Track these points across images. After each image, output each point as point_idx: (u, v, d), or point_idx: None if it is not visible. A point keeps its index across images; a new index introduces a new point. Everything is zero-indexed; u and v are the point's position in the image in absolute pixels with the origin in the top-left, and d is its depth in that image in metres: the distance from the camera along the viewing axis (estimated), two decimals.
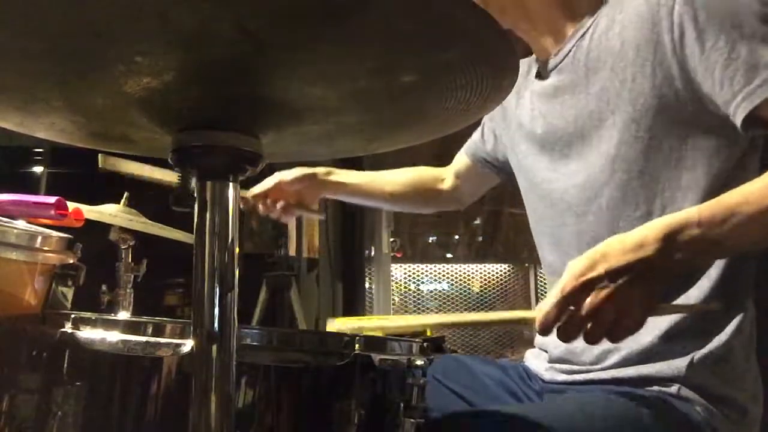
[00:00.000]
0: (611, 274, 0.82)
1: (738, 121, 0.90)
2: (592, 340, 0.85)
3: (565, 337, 0.85)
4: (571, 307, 0.84)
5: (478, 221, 3.93)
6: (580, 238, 1.07)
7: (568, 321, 0.84)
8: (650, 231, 0.84)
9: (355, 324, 1.02)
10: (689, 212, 0.85)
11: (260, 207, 1.45)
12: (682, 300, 0.98)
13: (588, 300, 0.82)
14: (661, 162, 0.99)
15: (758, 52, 0.88)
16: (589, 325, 0.84)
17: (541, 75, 1.17)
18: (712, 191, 0.96)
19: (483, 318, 1.17)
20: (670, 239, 0.83)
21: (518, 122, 1.23)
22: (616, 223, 1.03)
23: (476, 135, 1.44)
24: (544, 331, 0.85)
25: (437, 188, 1.54)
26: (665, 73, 0.96)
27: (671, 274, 0.85)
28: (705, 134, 0.97)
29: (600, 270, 0.82)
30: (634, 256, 0.82)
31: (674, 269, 0.85)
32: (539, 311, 0.85)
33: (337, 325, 1.09)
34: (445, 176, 1.54)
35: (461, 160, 1.50)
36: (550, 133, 1.13)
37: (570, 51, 1.09)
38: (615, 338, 0.84)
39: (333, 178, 1.49)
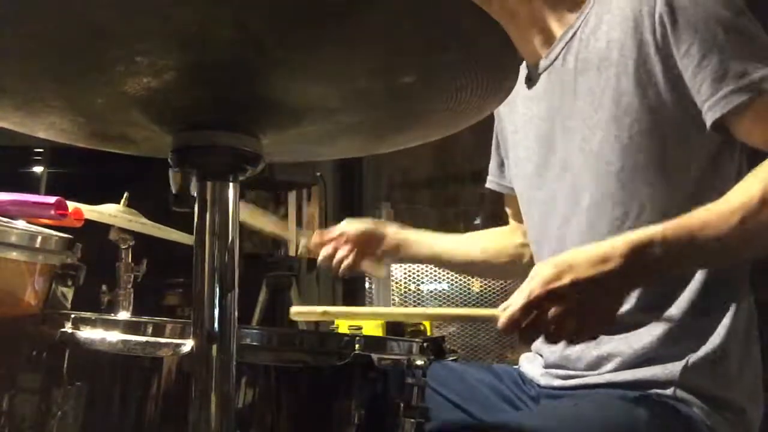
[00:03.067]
0: (577, 285, 0.84)
1: (708, 127, 0.93)
2: (551, 342, 0.88)
3: (526, 339, 0.88)
4: (534, 311, 0.85)
5: (478, 221, 3.93)
6: (563, 244, 1.07)
7: (531, 324, 0.86)
8: (615, 247, 0.85)
9: (318, 310, 0.98)
10: (653, 231, 0.87)
11: (320, 257, 1.31)
12: (677, 304, 0.99)
13: (553, 308, 0.84)
14: (642, 162, 0.99)
15: (726, 64, 0.90)
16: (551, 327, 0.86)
17: (532, 79, 1.17)
18: (691, 191, 0.97)
19: (448, 313, 1.16)
20: (633, 256, 0.85)
21: (514, 131, 1.23)
22: (595, 225, 1.03)
23: (493, 168, 1.35)
24: (507, 331, 0.86)
25: (514, 243, 1.36)
26: (648, 72, 0.97)
27: (632, 289, 0.90)
28: (684, 135, 0.98)
29: (566, 280, 0.84)
30: (599, 270, 0.84)
31: (635, 284, 0.89)
32: (504, 311, 0.87)
33: (299, 310, 1.02)
34: (511, 228, 1.38)
35: (507, 201, 1.37)
36: (539, 138, 1.13)
37: (560, 53, 1.09)
38: (573, 344, 0.89)
39: (402, 236, 1.33)
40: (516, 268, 1.34)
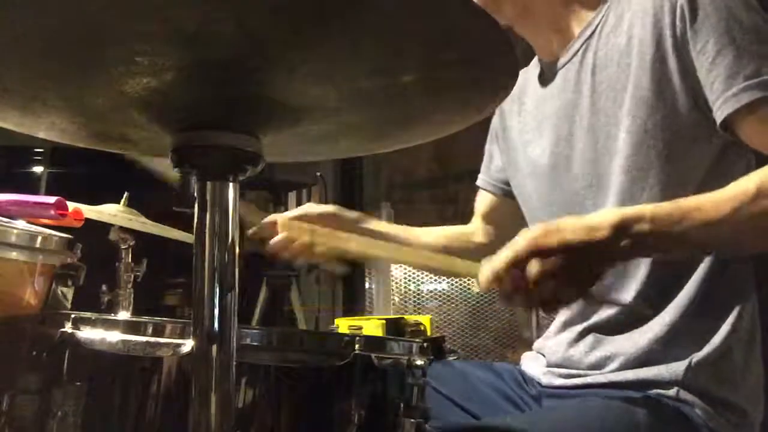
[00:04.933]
0: (562, 247, 0.83)
1: (717, 124, 0.93)
2: (527, 305, 0.87)
3: (504, 298, 0.87)
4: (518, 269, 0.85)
5: None
6: None
7: (510, 282, 0.85)
8: (604, 217, 0.86)
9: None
10: (644, 207, 0.87)
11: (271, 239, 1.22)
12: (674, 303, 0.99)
13: (535, 267, 0.83)
14: (653, 157, 0.99)
15: (741, 61, 0.90)
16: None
17: (546, 76, 1.17)
18: (699, 188, 0.97)
19: (429, 261, 1.14)
20: (621, 229, 0.85)
21: (521, 131, 1.23)
22: None
23: (484, 165, 1.38)
24: (486, 284, 0.86)
25: (474, 243, 1.39)
26: (664, 68, 0.97)
27: (615, 261, 0.90)
28: (695, 132, 0.98)
29: (553, 241, 0.84)
30: (586, 236, 0.84)
31: (620, 257, 0.90)
32: (486, 265, 0.86)
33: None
34: (474, 231, 1.41)
35: (483, 201, 1.39)
36: (556, 137, 1.13)
37: (579, 50, 1.09)
38: (547, 310, 0.89)
39: (364, 225, 1.33)
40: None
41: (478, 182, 1.39)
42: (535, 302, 0.86)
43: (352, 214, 1.33)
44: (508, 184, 1.32)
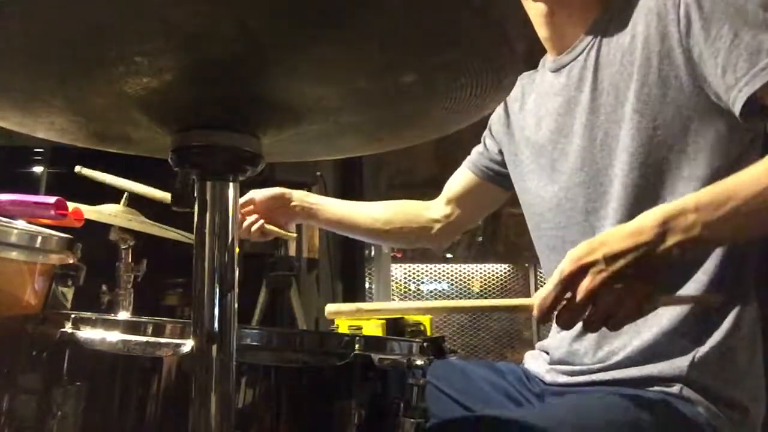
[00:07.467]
0: (608, 259, 0.82)
1: (738, 107, 0.91)
2: (591, 327, 0.85)
3: (564, 323, 0.85)
4: (570, 294, 0.84)
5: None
6: (584, 239, 1.07)
7: (566, 306, 0.84)
8: (647, 218, 0.84)
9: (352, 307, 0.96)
10: (686, 199, 0.86)
11: None
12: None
13: (585, 283, 0.82)
14: (664, 153, 0.99)
15: (760, 38, 0.89)
16: (587, 313, 0.84)
17: (551, 75, 1.17)
18: (712, 181, 0.97)
19: (481, 304, 1.16)
20: (667, 225, 0.83)
21: (521, 127, 1.23)
22: (623, 218, 1.02)
23: (477, 148, 1.41)
24: (543, 316, 0.85)
25: (425, 218, 1.47)
26: (671, 64, 0.97)
27: (669, 261, 0.85)
28: (707, 127, 0.98)
29: (598, 254, 0.82)
30: (632, 242, 0.83)
31: (671, 255, 0.85)
32: (537, 297, 0.85)
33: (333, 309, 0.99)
34: (432, 206, 1.48)
35: (461, 178, 1.43)
36: (556, 132, 1.14)
37: (584, 49, 1.10)
38: (613, 326, 0.85)
39: (309, 200, 1.44)
40: (421, 240, 1.49)
41: (464, 163, 1.43)
42: (595, 321, 0.84)
43: (296, 193, 1.43)
44: (491, 169, 1.36)
